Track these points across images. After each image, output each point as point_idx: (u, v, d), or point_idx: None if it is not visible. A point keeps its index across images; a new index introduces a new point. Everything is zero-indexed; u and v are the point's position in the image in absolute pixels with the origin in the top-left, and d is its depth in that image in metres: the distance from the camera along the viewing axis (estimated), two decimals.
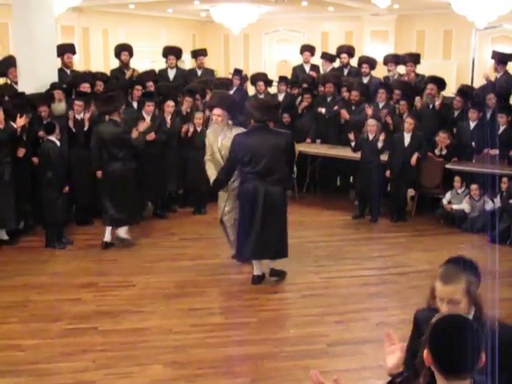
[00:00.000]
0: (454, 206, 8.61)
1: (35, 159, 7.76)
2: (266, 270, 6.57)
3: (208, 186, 6.99)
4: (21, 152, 7.61)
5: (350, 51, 11.46)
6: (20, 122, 7.53)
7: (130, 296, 6.17)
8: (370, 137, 8.73)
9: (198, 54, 11.56)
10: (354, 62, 11.55)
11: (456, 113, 9.44)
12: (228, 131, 6.63)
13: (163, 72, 10.82)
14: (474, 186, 8.46)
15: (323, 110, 10.30)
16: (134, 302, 6.00)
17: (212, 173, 6.72)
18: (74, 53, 9.94)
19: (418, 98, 9.53)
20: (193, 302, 6.01)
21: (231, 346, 5.13)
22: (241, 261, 6.75)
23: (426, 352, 1.97)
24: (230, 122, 6.78)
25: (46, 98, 8.30)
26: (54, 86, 8.55)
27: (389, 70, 11.07)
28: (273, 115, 6.72)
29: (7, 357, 4.89)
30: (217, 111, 6.63)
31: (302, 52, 11.78)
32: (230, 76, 11.10)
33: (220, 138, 6.67)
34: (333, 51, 11.96)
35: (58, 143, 7.57)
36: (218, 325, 5.54)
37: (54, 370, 4.71)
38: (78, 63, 14.12)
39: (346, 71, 11.30)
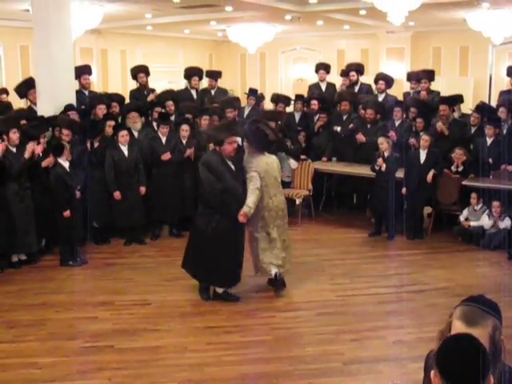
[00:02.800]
0: (472, 223, 8.55)
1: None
2: None
3: None
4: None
5: (359, 69, 11.49)
6: (38, 148, 7.55)
7: (147, 314, 6.19)
8: (386, 154, 8.72)
9: (212, 75, 11.61)
10: (370, 80, 11.57)
11: (473, 129, 9.41)
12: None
13: (187, 93, 10.92)
14: (495, 203, 8.38)
15: (338, 129, 10.33)
16: (150, 321, 6.02)
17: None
18: (89, 74, 10.10)
19: (439, 124, 9.41)
20: (208, 320, 6.02)
21: (247, 364, 5.12)
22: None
23: (433, 372, 1.95)
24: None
25: (71, 123, 8.34)
26: (68, 108, 8.67)
27: (412, 88, 11.08)
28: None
29: (24, 374, 4.92)
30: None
31: (317, 70, 11.83)
32: (246, 96, 11.17)
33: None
34: None
35: (66, 165, 7.67)
36: (233, 343, 5.54)
37: None
38: (97, 84, 14.35)
39: (356, 88, 11.33)
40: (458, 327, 2.21)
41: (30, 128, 7.85)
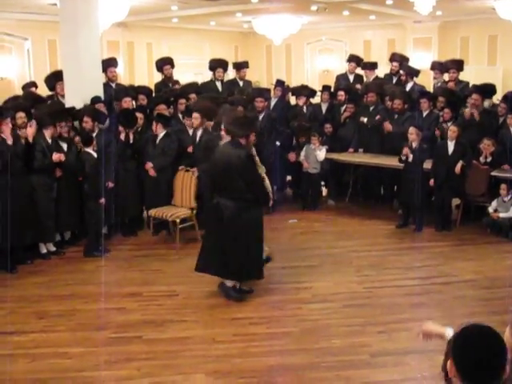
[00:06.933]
0: (501, 215, 8.44)
1: (58, 173, 7.81)
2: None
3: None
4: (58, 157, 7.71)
5: (402, 60, 11.34)
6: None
7: (174, 305, 6.25)
8: (413, 145, 8.63)
9: (241, 66, 11.61)
10: None
11: (501, 119, 9.27)
12: None
13: (211, 84, 10.96)
14: None
15: (365, 120, 10.25)
16: (177, 312, 6.07)
17: None
18: (115, 66, 10.18)
19: (466, 110, 9.32)
20: (235, 312, 6.05)
21: (273, 356, 5.13)
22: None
23: (449, 363, 1.92)
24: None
25: (89, 110, 8.46)
26: (95, 100, 8.75)
27: (434, 78, 10.96)
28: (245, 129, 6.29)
29: (55, 364, 5.01)
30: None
31: (349, 61, 11.72)
32: (272, 87, 11.15)
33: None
34: (375, 59, 11.91)
35: (95, 155, 7.76)
36: (260, 334, 5.56)
37: (99, 377, 4.81)
38: (123, 77, 14.44)
39: (394, 79, 11.20)
40: None
41: (48, 116, 7.83)
